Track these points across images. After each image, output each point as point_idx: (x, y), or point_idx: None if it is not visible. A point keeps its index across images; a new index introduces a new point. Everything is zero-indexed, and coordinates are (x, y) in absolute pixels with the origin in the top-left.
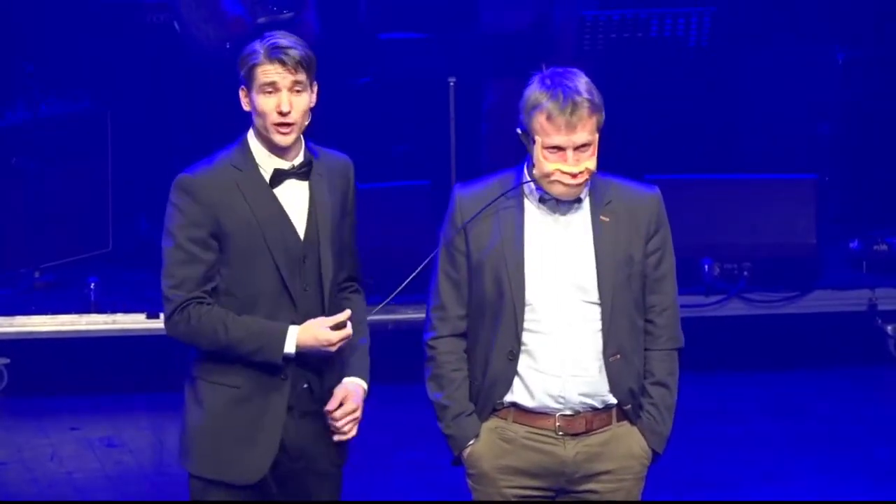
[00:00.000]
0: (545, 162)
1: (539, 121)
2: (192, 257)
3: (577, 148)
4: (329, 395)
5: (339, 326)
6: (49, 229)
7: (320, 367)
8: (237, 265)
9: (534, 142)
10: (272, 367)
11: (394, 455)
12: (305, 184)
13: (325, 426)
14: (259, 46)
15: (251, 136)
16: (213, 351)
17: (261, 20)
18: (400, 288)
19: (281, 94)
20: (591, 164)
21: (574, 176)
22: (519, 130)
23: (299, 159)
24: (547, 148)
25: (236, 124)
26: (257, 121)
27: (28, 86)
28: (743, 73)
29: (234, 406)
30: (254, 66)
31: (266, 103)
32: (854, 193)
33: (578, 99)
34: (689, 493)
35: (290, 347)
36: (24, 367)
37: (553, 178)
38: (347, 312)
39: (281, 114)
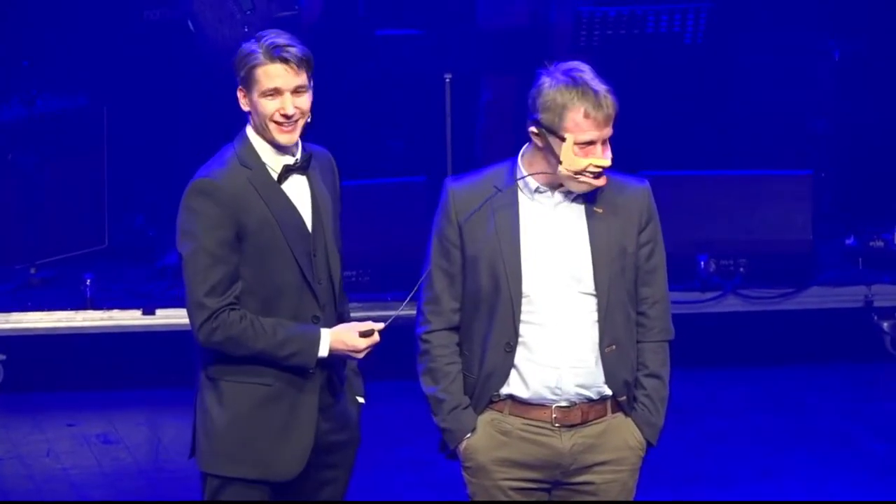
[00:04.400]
0: (578, 158)
1: (573, 119)
2: (219, 260)
3: (604, 141)
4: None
5: (365, 334)
6: (45, 226)
7: (339, 360)
8: (258, 263)
9: (563, 140)
10: (303, 367)
11: (389, 451)
12: (304, 178)
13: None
14: (256, 46)
15: (252, 134)
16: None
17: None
18: (402, 305)
19: (284, 98)
20: (610, 154)
21: (604, 169)
22: (535, 129)
23: (300, 154)
24: (579, 144)
25: (235, 121)
26: (258, 121)
27: (24, 81)
28: (739, 69)
29: (266, 404)
30: (254, 66)
31: (268, 105)
32: (850, 189)
33: (604, 90)
34: (684, 489)
35: (323, 352)
36: (21, 363)
37: (586, 172)
38: (380, 325)
39: (285, 116)
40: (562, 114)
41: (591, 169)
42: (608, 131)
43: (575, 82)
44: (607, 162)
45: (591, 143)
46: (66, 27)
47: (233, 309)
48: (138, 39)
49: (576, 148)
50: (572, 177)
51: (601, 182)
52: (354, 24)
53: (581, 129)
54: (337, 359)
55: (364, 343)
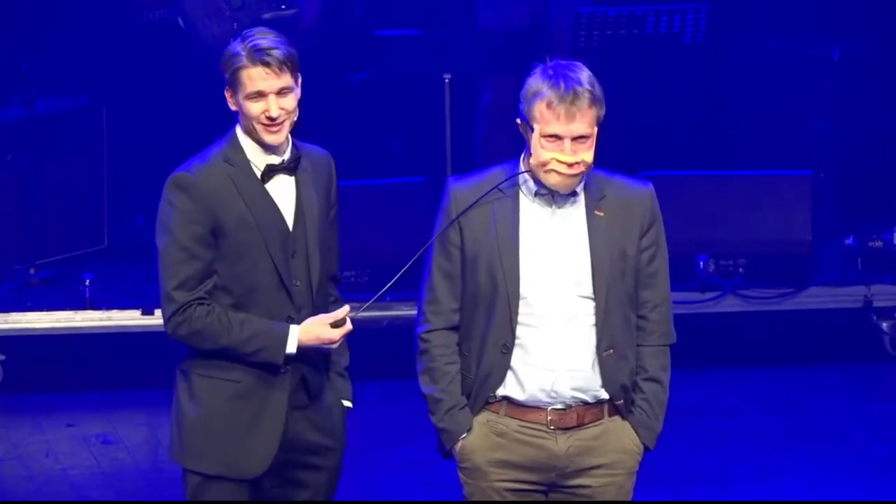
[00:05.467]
0: (542, 151)
1: (539, 109)
2: (192, 255)
3: (574, 139)
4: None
5: (337, 323)
6: (45, 226)
7: (314, 360)
8: (233, 261)
9: (532, 130)
10: (272, 363)
11: (389, 452)
12: (292, 179)
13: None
14: (241, 48)
15: (240, 132)
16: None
17: (266, 16)
18: (383, 290)
19: (268, 100)
20: (588, 156)
21: (570, 166)
22: (518, 120)
23: (288, 154)
24: (545, 136)
25: (233, 120)
26: (245, 122)
27: (24, 82)
28: (738, 70)
29: (235, 401)
30: (238, 69)
31: (253, 108)
32: (850, 190)
33: (579, 89)
34: (684, 489)
35: (291, 348)
36: (20, 363)
37: (549, 167)
38: (346, 308)
39: (270, 118)
40: (532, 102)
41: (555, 165)
42: (578, 129)
43: (553, 74)
44: (571, 159)
45: (557, 137)
46: (66, 27)
47: (200, 304)
48: (138, 39)
49: (543, 140)
50: (539, 170)
51: (569, 182)
52: (353, 24)
53: (545, 120)
54: (315, 357)
55: (338, 333)
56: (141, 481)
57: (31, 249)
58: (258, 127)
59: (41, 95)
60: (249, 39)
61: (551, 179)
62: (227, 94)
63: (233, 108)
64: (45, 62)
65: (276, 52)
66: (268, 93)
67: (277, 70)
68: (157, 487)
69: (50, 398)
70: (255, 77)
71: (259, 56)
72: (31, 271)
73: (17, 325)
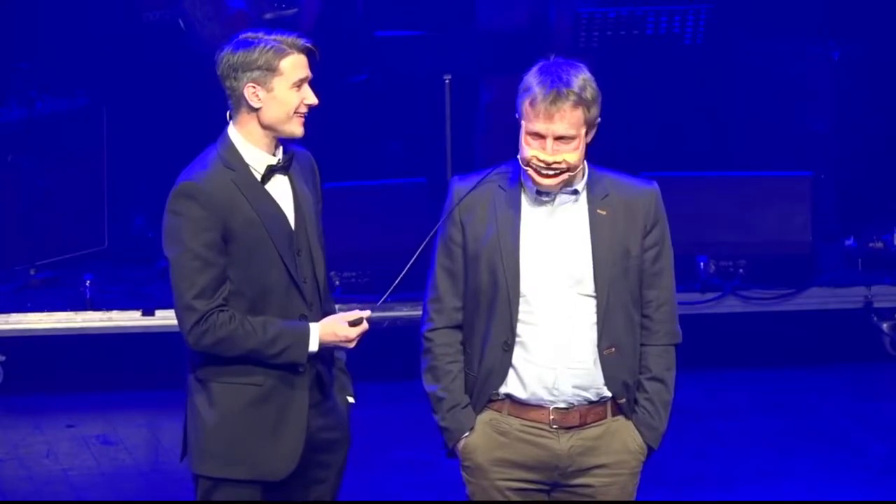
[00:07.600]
0: (526, 147)
1: (525, 105)
2: (207, 263)
3: (557, 138)
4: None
5: (354, 322)
6: (45, 226)
7: (328, 358)
8: (245, 264)
9: (521, 126)
10: (295, 363)
11: (391, 452)
12: (286, 178)
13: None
14: (272, 40)
15: (234, 134)
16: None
17: (267, 16)
18: (393, 286)
19: (307, 88)
20: (571, 157)
21: (549, 165)
22: (517, 115)
23: (281, 153)
24: (528, 133)
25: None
26: (279, 113)
27: (23, 83)
28: (738, 70)
29: (256, 404)
30: (282, 57)
31: (296, 97)
32: (850, 190)
33: (564, 90)
34: (684, 490)
35: (313, 346)
36: (20, 364)
37: (530, 164)
38: (368, 312)
39: (309, 107)
40: (521, 98)
41: (535, 163)
42: (559, 129)
43: (544, 71)
44: (550, 158)
45: (539, 135)
46: (65, 27)
47: (222, 311)
48: (138, 40)
49: (528, 137)
50: (523, 166)
51: (548, 181)
52: (353, 24)
53: (528, 116)
54: (326, 354)
55: (355, 332)
56: (141, 481)
57: (31, 250)
58: (295, 119)
59: (41, 96)
60: (276, 32)
61: (532, 177)
62: (251, 91)
63: (257, 104)
64: (44, 62)
65: (312, 45)
66: (307, 80)
67: (315, 58)
68: (157, 488)
69: (50, 399)
70: (299, 65)
71: (303, 44)
72: (32, 272)
73: (18, 325)
